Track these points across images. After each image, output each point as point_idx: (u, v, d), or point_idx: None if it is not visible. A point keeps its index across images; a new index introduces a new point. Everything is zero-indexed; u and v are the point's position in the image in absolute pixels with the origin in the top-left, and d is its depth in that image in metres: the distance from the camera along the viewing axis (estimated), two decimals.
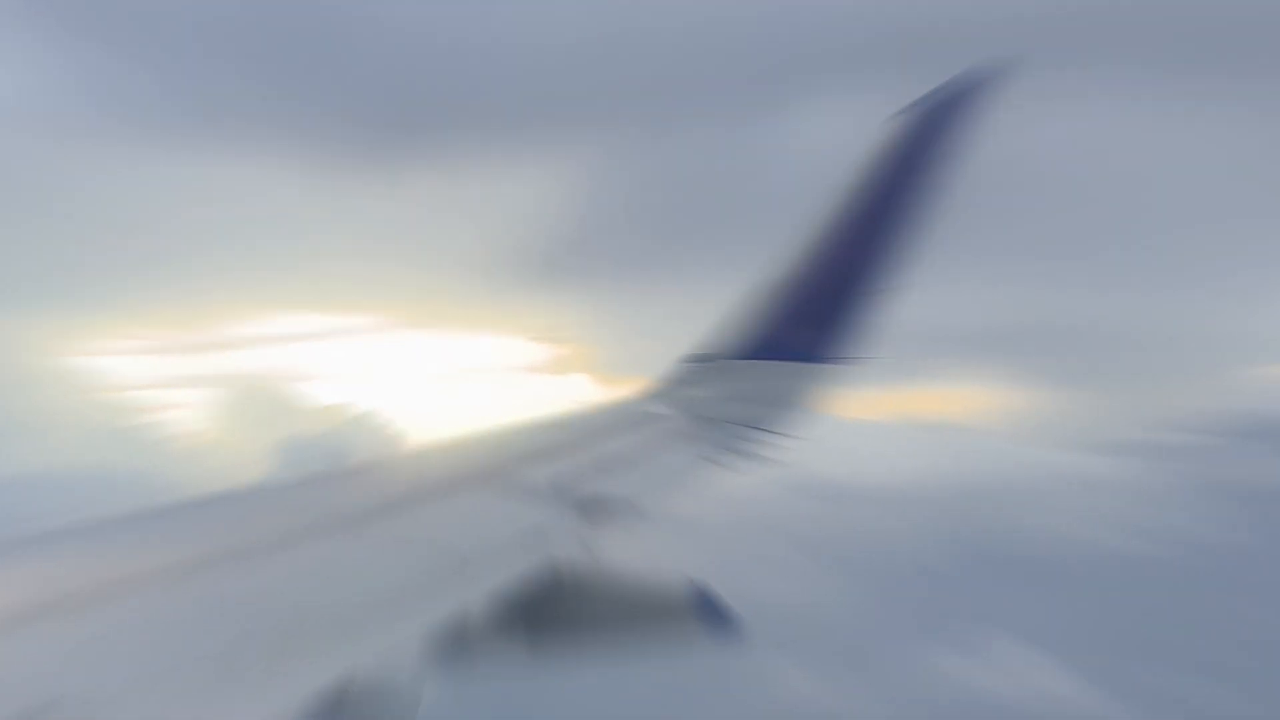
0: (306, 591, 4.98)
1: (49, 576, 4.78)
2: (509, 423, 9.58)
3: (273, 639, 4.38)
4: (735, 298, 12.64)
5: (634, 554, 6.61)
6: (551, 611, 5.71)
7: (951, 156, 11.20)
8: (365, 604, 4.95)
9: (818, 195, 11.92)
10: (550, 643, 5.89)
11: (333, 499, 6.67)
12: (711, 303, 13.13)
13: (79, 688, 3.74)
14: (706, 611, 5.76)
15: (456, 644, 4.92)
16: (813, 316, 11.81)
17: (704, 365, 12.47)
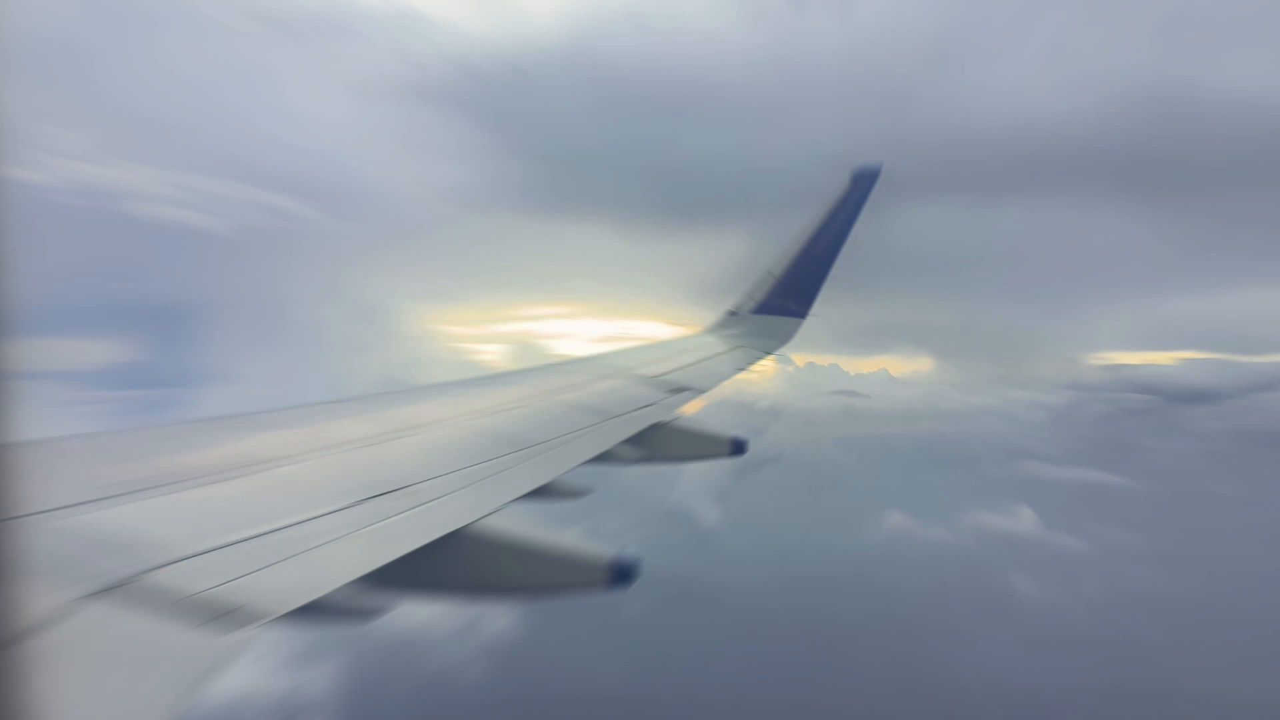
0: (525, 430, 9.03)
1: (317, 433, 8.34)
2: (639, 345, 14.69)
3: (507, 455, 8.10)
4: (752, 279, 19.15)
5: (695, 416, 11.41)
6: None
7: (858, 211, 17.96)
8: (555, 437, 9.07)
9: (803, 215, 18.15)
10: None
11: (542, 381, 11.41)
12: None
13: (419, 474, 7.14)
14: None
15: (604, 457, 9.27)
16: (792, 290, 18.17)
17: (735, 316, 18.75)
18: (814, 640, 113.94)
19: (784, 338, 17.72)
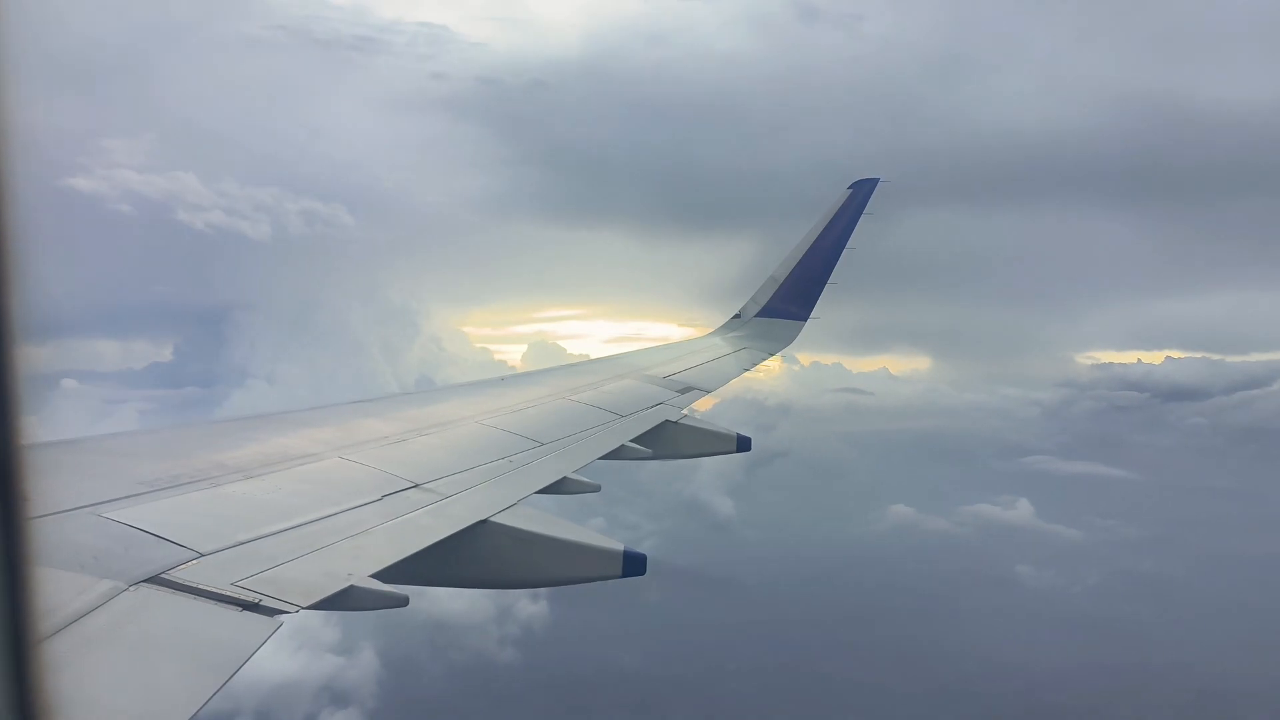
0: (541, 428, 9.07)
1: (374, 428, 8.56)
2: (648, 347, 14.69)
3: (524, 452, 8.19)
4: (759, 283, 19.26)
5: (702, 414, 11.41)
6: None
7: (856, 220, 17.76)
8: (570, 434, 9.19)
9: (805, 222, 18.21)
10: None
11: (557, 381, 11.42)
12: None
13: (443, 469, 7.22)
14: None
15: (615, 454, 9.32)
16: (794, 295, 18.14)
17: (740, 319, 18.80)
18: (824, 623, 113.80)
19: (786, 340, 17.69)
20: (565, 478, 7.69)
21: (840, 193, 18.65)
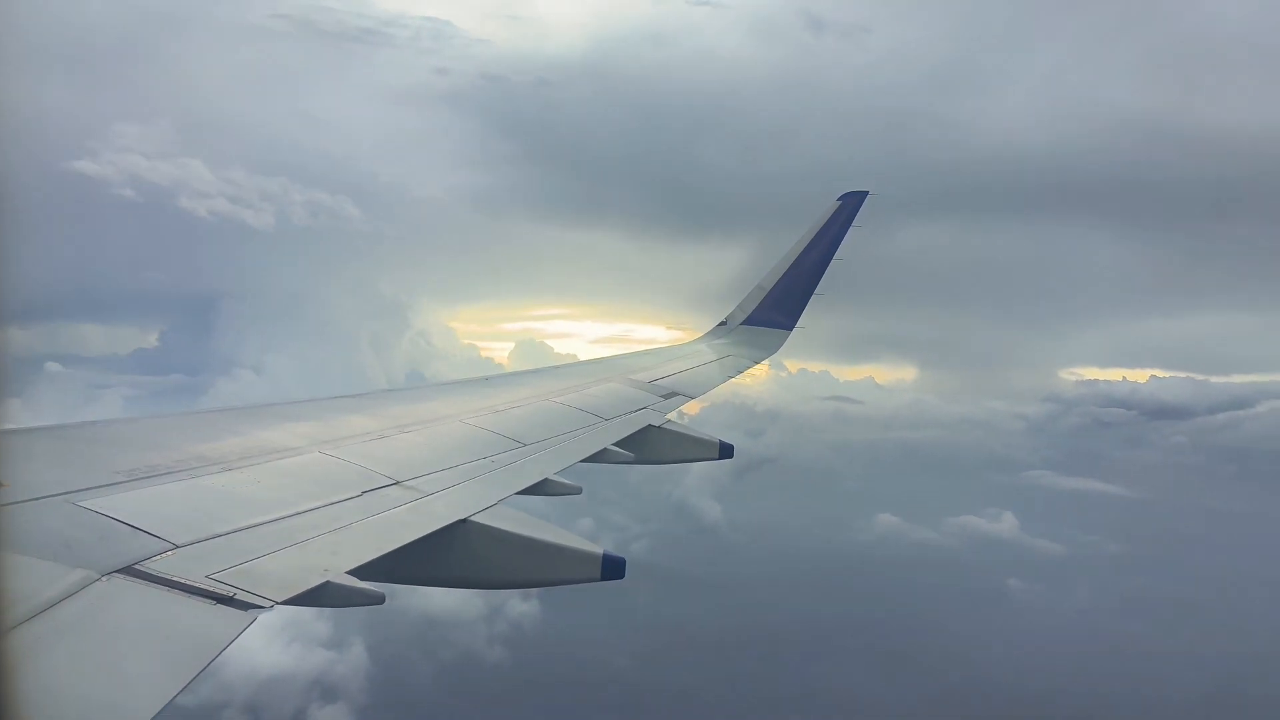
0: (523, 429, 8.94)
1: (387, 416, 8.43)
2: (634, 352, 14.64)
3: (506, 452, 8.07)
4: (744, 293, 19.16)
5: (686, 419, 11.36)
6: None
7: (844, 232, 17.72)
8: (552, 436, 9.05)
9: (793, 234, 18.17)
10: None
11: (541, 383, 11.37)
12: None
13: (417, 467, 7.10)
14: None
15: (597, 457, 9.26)
16: (780, 304, 18.16)
17: (725, 326, 18.71)
18: (811, 630, 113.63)
19: (771, 349, 17.64)
20: (547, 479, 7.62)
21: (830, 203, 18.66)
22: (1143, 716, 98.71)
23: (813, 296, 18.20)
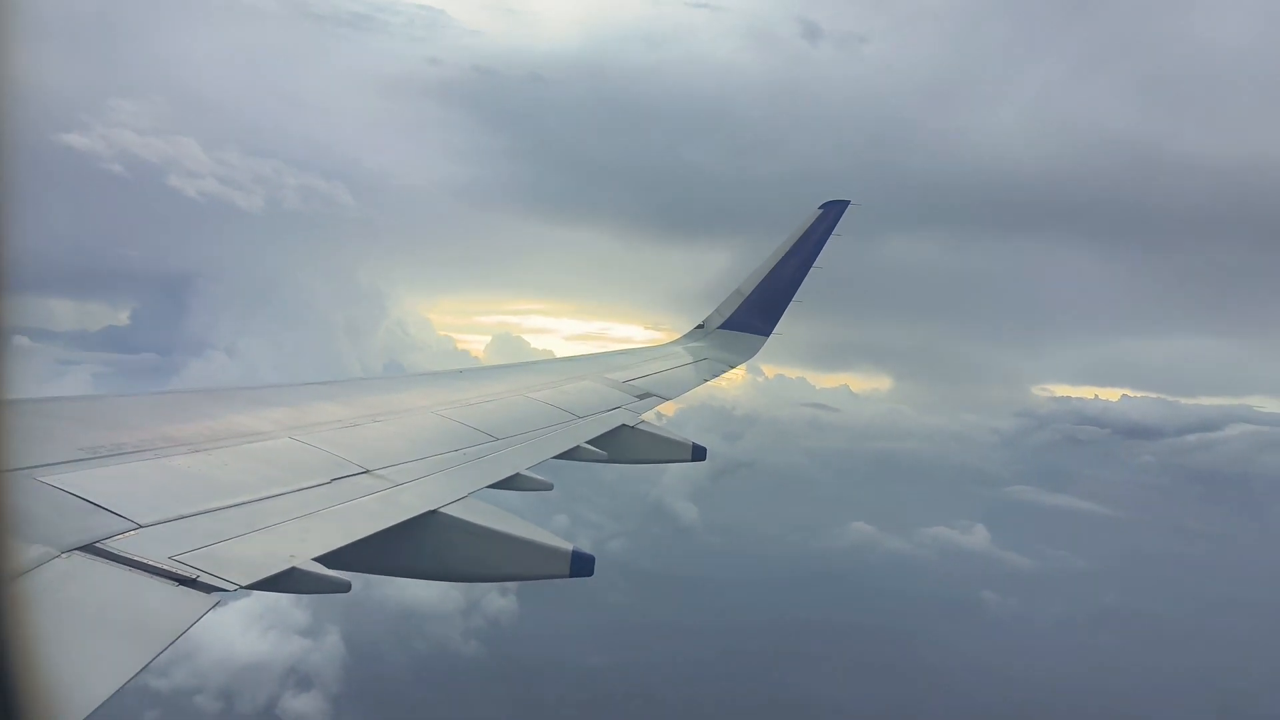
0: (496, 423, 8.81)
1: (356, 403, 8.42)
2: (610, 351, 14.56)
3: (478, 445, 7.96)
4: (724, 296, 19.06)
5: (658, 421, 11.30)
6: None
7: (824, 240, 17.67)
8: (525, 432, 8.93)
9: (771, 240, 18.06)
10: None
11: (516, 378, 11.30)
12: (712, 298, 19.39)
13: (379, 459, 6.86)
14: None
15: (570, 455, 9.18)
16: (758, 309, 18.12)
17: (703, 330, 18.58)
18: (783, 634, 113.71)
19: (747, 353, 17.61)
20: (518, 474, 7.54)
21: (807, 210, 18.65)
22: None
23: (791, 303, 18.20)
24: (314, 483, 5.99)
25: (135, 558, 4.20)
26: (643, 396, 11.98)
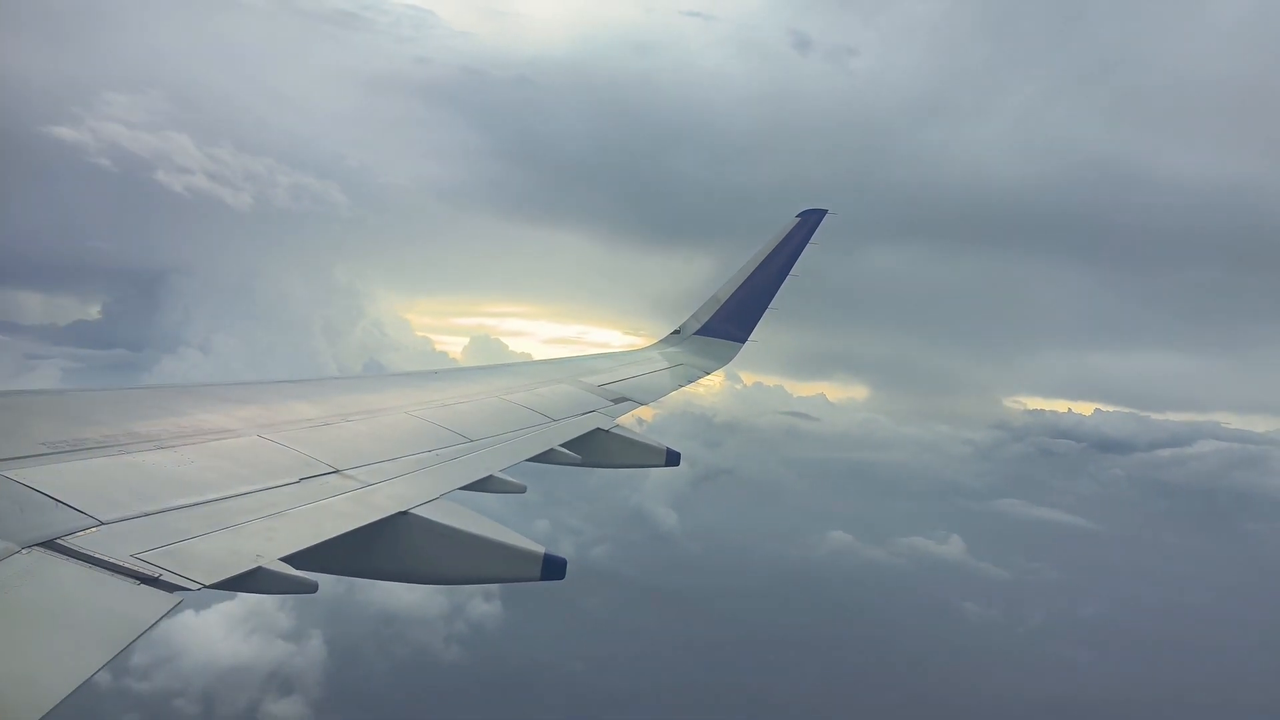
0: (470, 424, 8.66)
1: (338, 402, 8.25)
2: (586, 354, 14.48)
3: (451, 447, 7.81)
4: (698, 302, 19.09)
5: (635, 425, 11.22)
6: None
7: (801, 248, 17.85)
8: (499, 434, 8.75)
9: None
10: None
11: (491, 379, 11.20)
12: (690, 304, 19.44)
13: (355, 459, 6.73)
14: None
15: (544, 457, 9.06)
16: (734, 316, 18.12)
17: (679, 335, 18.58)
18: (762, 643, 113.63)
19: (723, 359, 17.54)
20: (491, 475, 7.42)
21: (789, 219, 18.64)
22: None
23: (767, 311, 18.17)
24: (282, 482, 5.87)
25: (96, 555, 4.10)
26: (618, 400, 11.89)
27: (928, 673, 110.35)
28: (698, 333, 18.23)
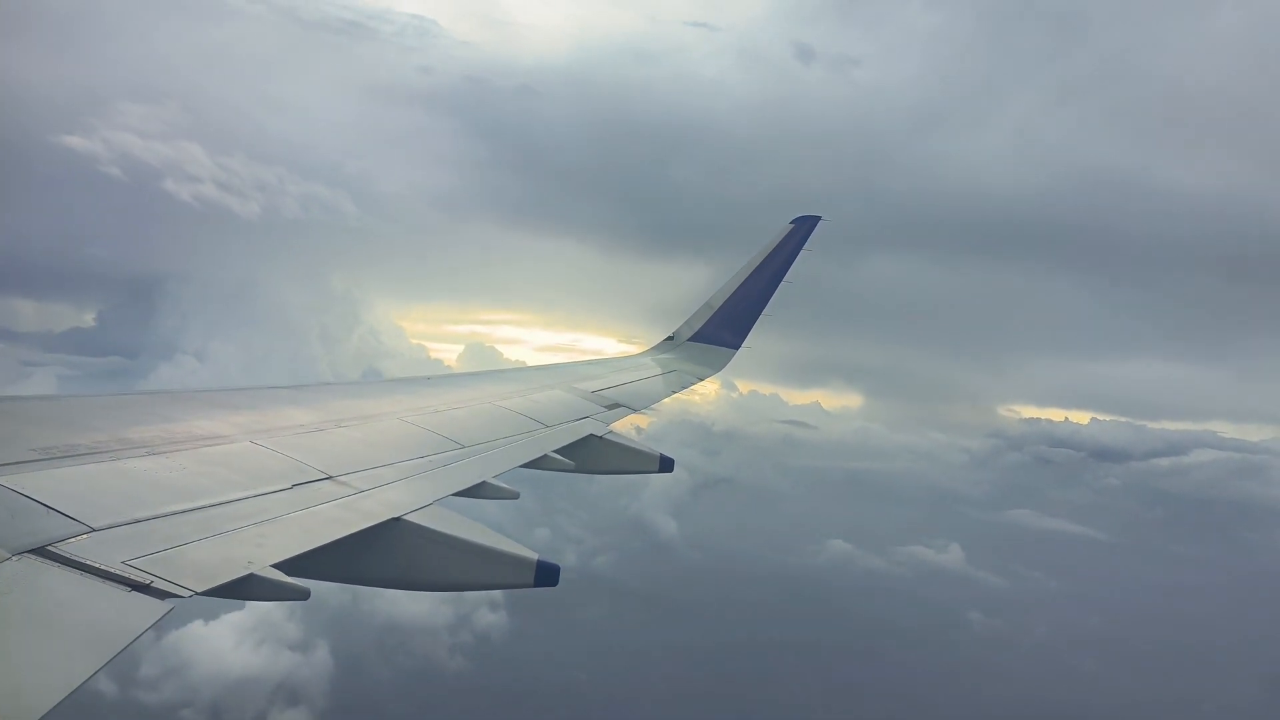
0: (463, 431, 8.61)
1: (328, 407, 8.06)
2: (580, 360, 14.49)
3: (444, 453, 7.74)
4: (694, 310, 19.02)
5: (630, 430, 11.19)
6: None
7: (795, 255, 17.88)
8: (492, 440, 8.68)
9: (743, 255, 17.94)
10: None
11: (485, 386, 11.18)
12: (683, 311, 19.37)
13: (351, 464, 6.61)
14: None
15: (537, 463, 9.02)
16: (728, 323, 18.12)
17: (672, 342, 18.55)
18: (765, 653, 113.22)
19: (716, 366, 17.51)
20: (485, 482, 7.38)
21: (782, 226, 18.62)
22: None
23: (760, 318, 18.12)
24: (274, 488, 5.82)
25: (88, 562, 4.05)
26: (611, 407, 11.85)
27: (930, 682, 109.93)
28: (691, 339, 18.20)
